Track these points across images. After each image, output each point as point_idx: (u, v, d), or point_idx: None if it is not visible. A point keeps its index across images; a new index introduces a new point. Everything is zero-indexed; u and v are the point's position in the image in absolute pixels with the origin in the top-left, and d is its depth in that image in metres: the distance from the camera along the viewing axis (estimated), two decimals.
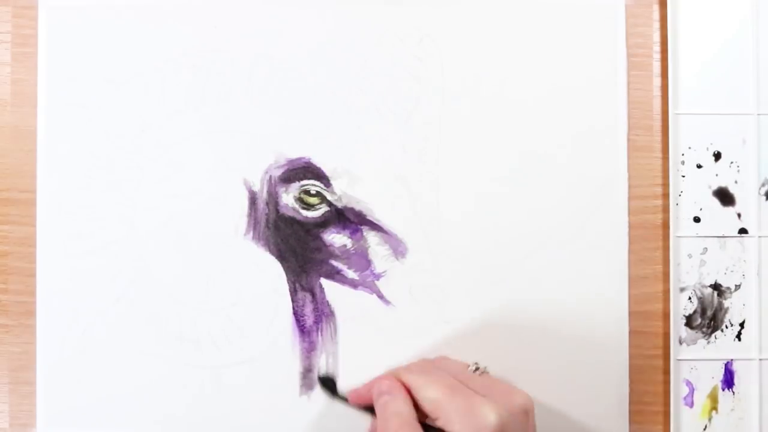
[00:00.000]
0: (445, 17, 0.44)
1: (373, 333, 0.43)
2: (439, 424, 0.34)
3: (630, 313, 0.43)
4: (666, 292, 0.44)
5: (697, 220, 0.44)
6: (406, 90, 0.43)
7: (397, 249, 0.43)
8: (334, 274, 0.43)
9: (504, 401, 0.34)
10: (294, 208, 0.43)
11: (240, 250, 0.43)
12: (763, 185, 0.44)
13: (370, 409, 0.38)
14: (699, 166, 0.44)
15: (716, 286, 0.44)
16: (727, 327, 0.44)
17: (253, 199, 0.43)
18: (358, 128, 0.43)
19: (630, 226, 0.44)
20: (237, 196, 0.43)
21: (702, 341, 0.44)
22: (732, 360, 0.44)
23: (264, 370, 0.43)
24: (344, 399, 0.41)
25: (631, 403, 0.43)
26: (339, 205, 0.43)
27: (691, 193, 0.44)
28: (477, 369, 0.38)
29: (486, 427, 0.32)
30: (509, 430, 0.33)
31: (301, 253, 0.43)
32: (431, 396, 0.35)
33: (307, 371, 0.43)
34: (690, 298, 0.44)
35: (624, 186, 0.44)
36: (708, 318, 0.44)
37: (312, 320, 0.43)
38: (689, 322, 0.44)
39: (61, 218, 0.43)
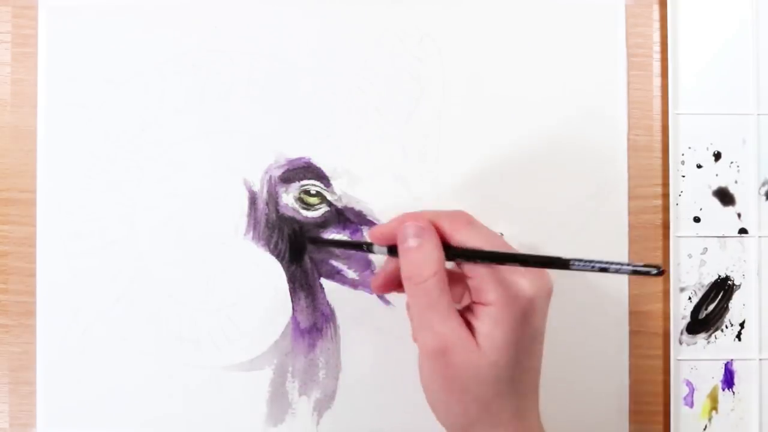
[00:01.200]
0: (445, 17, 0.44)
1: (373, 333, 0.43)
2: (472, 284, 0.32)
3: (630, 313, 0.43)
4: (666, 292, 0.44)
5: (697, 220, 0.44)
6: (406, 90, 0.43)
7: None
8: (334, 274, 0.43)
9: (536, 276, 0.32)
10: (294, 208, 0.43)
11: (240, 250, 0.43)
12: (763, 185, 0.44)
13: (391, 250, 0.35)
14: (699, 166, 0.44)
15: (716, 286, 0.44)
16: (727, 327, 0.44)
17: (253, 199, 0.43)
18: (358, 128, 0.43)
19: (630, 226, 0.44)
20: (237, 196, 0.43)
21: (702, 341, 0.44)
22: (732, 360, 0.44)
23: (264, 370, 0.43)
24: (336, 243, 0.37)
25: (631, 403, 0.43)
26: (339, 205, 0.43)
27: (691, 193, 0.44)
28: (501, 234, 0.36)
29: (522, 298, 0.31)
30: (538, 307, 0.32)
31: (301, 253, 0.43)
32: (475, 245, 0.32)
33: (307, 371, 0.43)
34: (690, 298, 0.44)
35: (624, 186, 0.44)
36: (707, 318, 0.44)
37: (312, 320, 0.43)
38: (689, 323, 0.44)
39: (61, 218, 0.43)
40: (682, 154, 0.44)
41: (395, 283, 0.36)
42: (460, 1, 0.44)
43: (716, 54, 0.44)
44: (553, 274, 0.32)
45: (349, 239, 0.39)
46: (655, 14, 0.44)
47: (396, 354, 0.43)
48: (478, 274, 0.32)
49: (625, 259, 0.43)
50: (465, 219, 0.34)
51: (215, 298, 0.43)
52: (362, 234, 0.43)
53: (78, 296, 0.43)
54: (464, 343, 0.31)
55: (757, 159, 0.44)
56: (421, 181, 0.43)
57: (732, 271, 0.44)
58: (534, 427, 0.33)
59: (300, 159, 0.43)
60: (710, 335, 0.44)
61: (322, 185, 0.43)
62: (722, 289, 0.44)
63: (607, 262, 0.30)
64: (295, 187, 0.43)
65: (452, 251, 0.33)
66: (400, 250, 0.33)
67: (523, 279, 0.32)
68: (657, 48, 0.44)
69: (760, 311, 0.44)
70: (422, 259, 0.32)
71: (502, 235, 0.36)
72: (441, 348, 0.31)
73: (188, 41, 0.43)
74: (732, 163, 0.44)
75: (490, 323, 0.31)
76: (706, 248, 0.44)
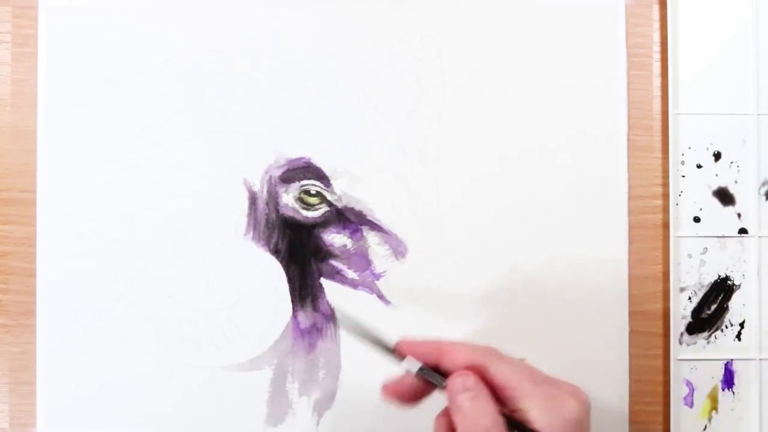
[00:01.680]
0: (445, 17, 0.44)
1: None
2: (519, 414, 0.32)
3: (630, 313, 0.43)
4: (666, 292, 0.44)
5: (697, 220, 0.44)
6: (406, 90, 0.43)
7: (397, 249, 0.43)
8: (334, 274, 0.43)
9: (579, 397, 0.33)
10: (294, 208, 0.43)
11: (240, 250, 0.43)
12: (763, 185, 0.44)
13: (422, 369, 0.34)
14: (699, 166, 0.44)
15: (716, 286, 0.44)
16: (727, 327, 0.44)
17: (253, 199, 0.43)
18: (358, 128, 0.43)
19: (630, 226, 0.44)
20: (237, 196, 0.43)
21: (702, 341, 0.44)
22: (732, 360, 0.44)
23: (264, 370, 0.43)
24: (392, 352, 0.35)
25: (631, 403, 0.43)
26: (339, 205, 0.43)
27: (691, 193, 0.44)
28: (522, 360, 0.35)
29: (570, 420, 0.32)
30: (584, 426, 0.32)
31: (301, 253, 0.43)
32: (514, 384, 0.32)
33: (307, 371, 0.43)
34: (690, 298, 0.44)
35: (624, 186, 0.44)
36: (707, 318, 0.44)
37: (312, 320, 0.43)
38: (690, 323, 0.44)
39: (61, 218, 0.43)
40: (682, 154, 0.44)
41: (405, 398, 0.35)
42: (460, 2, 0.44)
43: (716, 54, 0.44)
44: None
45: (384, 343, 0.36)
46: (655, 14, 0.44)
47: None
48: (527, 400, 0.32)
49: (624, 258, 0.43)
50: (496, 354, 0.34)
51: (215, 298, 0.43)
52: (362, 234, 0.43)
53: (78, 296, 0.43)
54: None
55: (757, 159, 0.44)
56: (421, 181, 0.43)
57: (732, 271, 0.44)
58: None
59: (300, 159, 0.43)
60: (710, 335, 0.44)
61: (322, 185, 0.43)
62: (722, 289, 0.44)
63: None
64: (295, 187, 0.43)
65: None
66: (454, 405, 0.33)
67: (571, 399, 0.32)
68: (657, 48, 0.44)
69: (760, 311, 0.44)
70: (479, 413, 0.32)
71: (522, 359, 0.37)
72: None
73: (188, 41, 0.43)
74: (732, 163, 0.44)
75: None
76: (706, 248, 0.44)
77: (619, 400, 0.43)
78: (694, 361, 0.44)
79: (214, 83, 0.43)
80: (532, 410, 0.32)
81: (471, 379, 0.33)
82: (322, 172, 0.43)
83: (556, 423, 0.31)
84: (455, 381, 0.33)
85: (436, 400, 0.34)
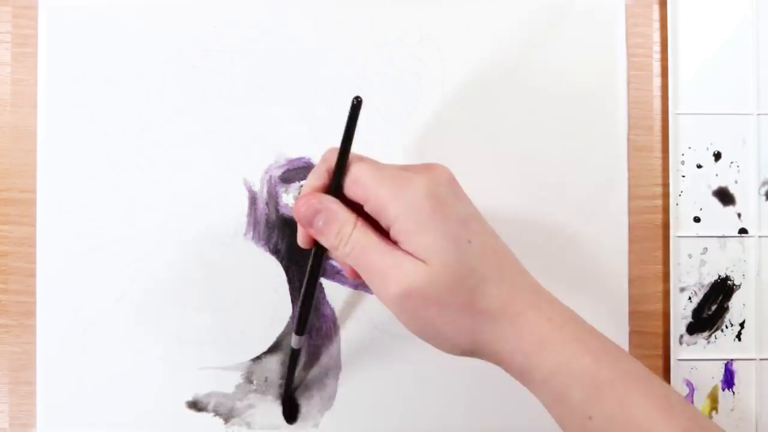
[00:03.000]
0: (445, 17, 0.44)
1: (373, 333, 0.43)
2: (368, 208, 0.31)
3: (630, 313, 0.43)
4: (666, 292, 0.44)
5: (697, 220, 0.44)
6: (406, 90, 0.43)
7: None
8: (334, 274, 0.43)
9: (426, 172, 0.31)
10: None
11: (240, 250, 0.43)
12: (763, 185, 0.44)
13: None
14: (699, 166, 0.44)
15: (716, 286, 0.44)
16: (727, 327, 0.44)
17: (253, 199, 0.43)
18: (358, 128, 0.43)
19: (630, 226, 0.44)
20: (237, 196, 0.43)
21: (702, 341, 0.44)
22: (732, 360, 0.44)
23: (263, 370, 0.43)
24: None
25: None
26: None
27: (691, 193, 0.44)
28: None
29: (418, 196, 0.30)
30: (443, 196, 0.30)
31: (301, 253, 0.43)
32: (355, 178, 0.31)
33: (306, 371, 0.43)
34: (690, 299, 0.44)
35: (624, 186, 0.44)
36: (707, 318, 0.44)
37: (312, 320, 0.43)
38: (690, 323, 0.44)
39: (61, 218, 0.43)
40: (682, 154, 0.44)
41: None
42: (460, 2, 0.44)
43: (716, 54, 0.44)
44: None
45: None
46: (655, 14, 0.44)
47: (396, 354, 0.43)
48: (370, 195, 0.30)
49: (624, 258, 0.43)
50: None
51: (215, 298, 0.43)
52: None
53: (78, 296, 0.42)
54: (416, 268, 0.29)
55: (757, 159, 0.44)
56: None
57: (732, 271, 0.44)
58: (544, 292, 0.32)
59: (300, 159, 0.43)
60: (710, 335, 0.44)
61: None
62: (722, 290, 0.44)
63: None
64: (295, 187, 0.43)
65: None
66: (314, 234, 0.32)
67: (415, 178, 0.30)
68: (657, 48, 0.44)
69: (761, 311, 0.44)
70: (336, 229, 0.31)
71: None
72: (405, 290, 0.29)
73: (188, 41, 0.43)
74: (732, 163, 0.44)
75: (415, 235, 0.30)
76: (706, 248, 0.44)
77: None
78: (694, 361, 0.44)
79: (214, 83, 0.43)
80: (377, 202, 0.30)
81: (313, 209, 0.31)
82: None
83: (402, 201, 0.30)
84: (298, 213, 0.32)
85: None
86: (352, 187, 0.31)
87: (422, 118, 0.43)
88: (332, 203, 0.31)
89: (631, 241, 0.44)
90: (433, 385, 0.43)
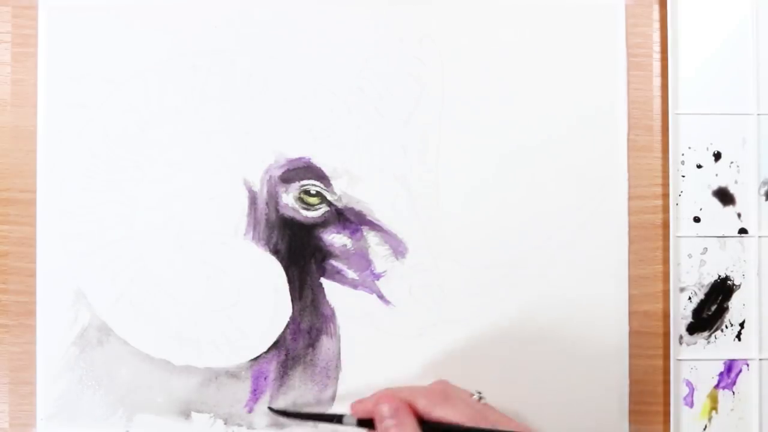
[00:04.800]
0: (445, 17, 0.44)
1: (373, 333, 0.43)
2: None
3: (630, 313, 0.43)
4: (666, 292, 0.44)
5: (697, 220, 0.44)
6: (406, 90, 0.43)
7: (397, 249, 0.43)
8: (334, 274, 0.43)
9: None
10: (294, 208, 0.43)
11: (240, 250, 0.43)
12: (763, 185, 0.44)
13: (366, 423, 0.37)
14: (699, 166, 0.44)
15: (716, 286, 0.44)
16: (727, 327, 0.44)
17: (253, 199, 0.43)
18: (358, 128, 0.43)
19: (630, 226, 0.44)
20: (237, 196, 0.43)
21: (702, 341, 0.44)
22: (732, 360, 0.44)
23: (263, 370, 0.43)
24: (306, 416, 0.41)
25: (631, 403, 0.43)
26: (339, 205, 0.43)
27: (691, 193, 0.44)
28: (480, 398, 0.37)
29: None
30: None
31: (301, 253, 0.43)
32: (453, 420, 0.34)
33: (307, 371, 0.43)
34: (690, 298, 0.44)
35: (624, 186, 0.44)
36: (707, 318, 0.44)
37: (312, 320, 0.43)
38: (690, 323, 0.44)
39: (61, 218, 0.43)
40: (682, 154, 0.44)
41: None
42: (460, 2, 0.44)
43: (716, 54, 0.44)
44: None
45: (321, 413, 0.42)
46: (655, 14, 0.44)
47: (396, 354, 0.43)
48: None
49: (624, 258, 0.43)
50: (441, 394, 0.35)
51: (215, 298, 0.43)
52: (362, 234, 0.43)
53: (78, 296, 0.42)
54: None
55: (757, 159, 0.44)
56: (421, 181, 0.43)
57: (732, 271, 0.44)
58: None
59: (300, 159, 0.43)
60: (710, 335, 0.44)
61: (322, 185, 0.43)
62: (722, 289, 0.44)
63: None
64: (295, 187, 0.43)
65: (429, 426, 0.34)
66: (378, 429, 0.35)
67: None
68: (657, 48, 0.44)
69: (760, 311, 0.44)
70: None
71: (480, 396, 0.37)
72: None
73: (188, 41, 0.43)
74: (732, 163, 0.44)
75: None
76: (706, 248, 0.44)
77: (619, 400, 0.43)
78: (694, 361, 0.44)
79: (214, 83, 0.43)
80: None
81: (390, 406, 0.35)
82: (322, 172, 0.43)
83: None
84: (380, 407, 0.35)
85: None
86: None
87: (422, 118, 0.43)
88: (409, 418, 0.34)
89: (631, 241, 0.44)
90: None
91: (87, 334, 0.43)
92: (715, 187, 0.44)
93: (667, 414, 0.43)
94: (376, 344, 0.43)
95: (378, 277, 0.43)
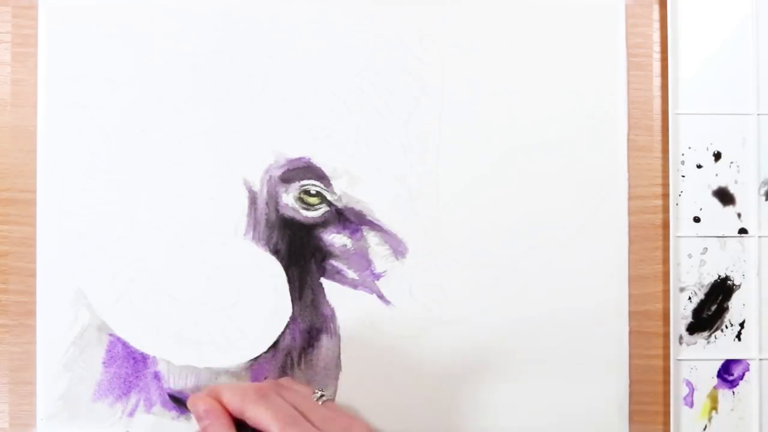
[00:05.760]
0: (445, 17, 0.44)
1: (373, 333, 0.43)
2: None
3: (630, 313, 0.43)
4: (666, 292, 0.44)
5: (697, 220, 0.44)
6: (406, 90, 0.43)
7: (397, 249, 0.43)
8: (334, 274, 0.43)
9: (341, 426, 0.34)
10: (294, 208, 0.43)
11: (240, 250, 0.43)
12: (763, 185, 0.44)
13: None
14: (699, 166, 0.44)
15: (716, 286, 0.44)
16: (727, 327, 0.44)
17: (253, 199, 0.43)
18: (358, 128, 0.43)
19: (630, 226, 0.44)
20: (237, 196, 0.43)
21: (702, 341, 0.44)
22: (732, 360, 0.44)
23: (263, 370, 0.43)
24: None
25: (631, 403, 0.43)
26: (339, 205, 0.43)
27: (691, 193, 0.44)
28: (321, 396, 0.37)
29: None
30: None
31: (301, 253, 0.43)
32: (264, 425, 0.34)
33: (307, 371, 0.43)
34: (690, 298, 0.44)
35: (624, 186, 0.44)
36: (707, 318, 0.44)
37: (312, 320, 0.43)
38: (690, 323, 0.44)
39: (61, 218, 0.43)
40: (682, 154, 0.44)
41: None
42: (460, 2, 0.44)
43: (716, 54, 0.44)
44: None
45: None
46: (655, 14, 0.44)
47: (396, 354, 0.43)
48: None
49: (624, 258, 0.43)
50: (259, 392, 0.35)
51: (215, 298, 0.43)
52: (362, 234, 0.43)
53: (78, 296, 0.43)
54: None
55: (757, 159, 0.44)
56: (421, 181, 0.43)
57: (732, 271, 0.44)
58: None
59: (300, 159, 0.43)
60: (710, 335, 0.44)
61: (322, 185, 0.43)
62: (722, 289, 0.44)
63: None
64: (295, 187, 0.43)
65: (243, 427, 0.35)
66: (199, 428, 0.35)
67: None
68: (657, 48, 0.44)
69: (760, 311, 0.44)
70: None
71: (321, 395, 0.37)
72: None
73: (188, 41, 0.43)
74: (732, 163, 0.44)
75: None
76: (706, 248, 0.44)
77: (619, 400, 0.43)
78: (694, 361, 0.44)
79: (214, 83, 0.43)
80: None
81: (203, 406, 0.35)
82: (322, 172, 0.43)
83: None
84: (192, 405, 0.36)
85: None
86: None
87: (422, 118, 0.43)
88: (221, 418, 0.35)
89: (631, 241, 0.44)
90: (432, 386, 0.43)
91: (87, 334, 0.43)
92: (715, 187, 0.44)
93: (667, 414, 0.43)
94: (376, 344, 0.43)
95: (378, 277, 0.43)
